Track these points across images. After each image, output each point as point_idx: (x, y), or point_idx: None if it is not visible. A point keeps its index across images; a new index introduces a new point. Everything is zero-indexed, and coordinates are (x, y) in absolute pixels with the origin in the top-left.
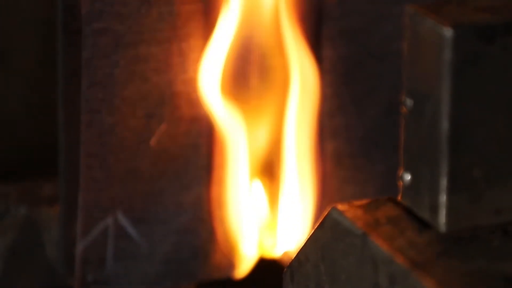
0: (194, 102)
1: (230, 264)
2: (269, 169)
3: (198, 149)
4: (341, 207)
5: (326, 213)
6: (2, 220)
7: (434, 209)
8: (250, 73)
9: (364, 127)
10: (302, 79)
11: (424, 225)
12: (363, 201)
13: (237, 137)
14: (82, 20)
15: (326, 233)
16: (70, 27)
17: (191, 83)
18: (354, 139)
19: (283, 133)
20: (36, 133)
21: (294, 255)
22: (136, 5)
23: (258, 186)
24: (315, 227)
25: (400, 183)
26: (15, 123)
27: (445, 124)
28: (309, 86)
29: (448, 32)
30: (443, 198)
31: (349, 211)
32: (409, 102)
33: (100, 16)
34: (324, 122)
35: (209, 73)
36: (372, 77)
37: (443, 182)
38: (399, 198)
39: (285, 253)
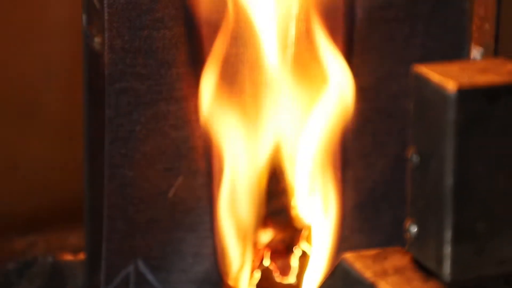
0: (209, 155)
1: None
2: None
3: (217, 201)
4: (350, 257)
5: (338, 263)
6: (30, 268)
7: (439, 259)
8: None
9: (372, 179)
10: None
11: (430, 275)
12: (372, 251)
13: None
14: (106, 80)
15: (337, 282)
16: (94, 86)
17: (207, 137)
18: (362, 190)
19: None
20: (63, 186)
21: None
22: (156, 67)
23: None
24: (327, 276)
25: (407, 235)
26: (43, 176)
27: (449, 180)
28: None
29: (452, 93)
30: (448, 250)
31: (359, 261)
32: (415, 158)
33: (122, 77)
34: (335, 174)
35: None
36: (379, 132)
37: (448, 234)
38: (406, 248)
39: None
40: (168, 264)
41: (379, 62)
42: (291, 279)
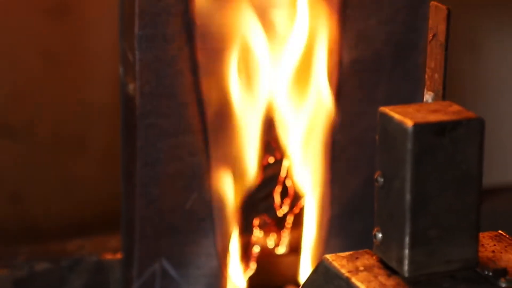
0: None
1: None
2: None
3: (223, 211)
4: (330, 257)
5: (319, 262)
6: (79, 265)
7: (400, 260)
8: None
9: (347, 196)
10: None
11: (392, 272)
12: (346, 253)
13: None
14: (137, 118)
15: (319, 277)
16: (129, 122)
17: (216, 163)
18: (339, 205)
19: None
20: (105, 200)
21: None
22: (176, 107)
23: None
24: (311, 272)
25: (374, 240)
26: (90, 193)
27: (408, 197)
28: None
29: (409, 127)
30: (406, 252)
31: (336, 260)
32: (380, 179)
33: (150, 115)
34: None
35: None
36: (353, 158)
37: (406, 240)
38: (373, 251)
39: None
40: (186, 262)
41: (353, 103)
42: (282, 249)
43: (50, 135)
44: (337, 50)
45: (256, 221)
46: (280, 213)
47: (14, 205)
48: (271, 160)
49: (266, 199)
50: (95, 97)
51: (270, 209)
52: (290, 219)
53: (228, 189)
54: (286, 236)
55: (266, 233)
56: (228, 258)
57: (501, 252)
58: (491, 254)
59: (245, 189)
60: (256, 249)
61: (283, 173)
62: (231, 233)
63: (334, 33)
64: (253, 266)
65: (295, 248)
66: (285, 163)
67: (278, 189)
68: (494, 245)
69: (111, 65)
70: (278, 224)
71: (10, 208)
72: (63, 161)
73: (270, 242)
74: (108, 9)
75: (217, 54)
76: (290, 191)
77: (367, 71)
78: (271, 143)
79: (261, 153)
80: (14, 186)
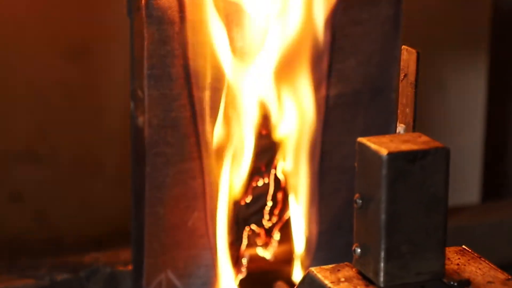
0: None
1: None
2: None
3: (222, 227)
4: (314, 269)
5: (305, 274)
6: (95, 276)
7: (376, 272)
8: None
9: (331, 215)
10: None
11: (370, 282)
12: (330, 266)
13: None
14: (146, 147)
15: (306, 286)
16: (138, 151)
17: (214, 185)
18: (323, 222)
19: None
20: (118, 218)
21: None
22: (179, 137)
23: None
24: (299, 282)
25: (354, 255)
26: (105, 211)
27: (383, 217)
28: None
29: (384, 155)
30: (381, 265)
31: (320, 272)
32: (359, 201)
33: (157, 145)
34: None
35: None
36: (335, 182)
37: (382, 255)
38: (353, 264)
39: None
40: (188, 273)
41: (335, 133)
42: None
43: (71, 160)
44: (324, 86)
45: (246, 233)
46: (268, 225)
47: (38, 222)
48: (260, 183)
49: (257, 214)
50: (109, 127)
51: (260, 223)
52: (277, 234)
53: (222, 208)
54: (274, 246)
55: (256, 243)
56: (221, 267)
57: (465, 265)
58: (456, 267)
59: (237, 207)
60: (245, 258)
61: (271, 192)
62: (224, 246)
63: (320, 73)
64: (243, 272)
65: (285, 260)
66: (272, 186)
67: (268, 206)
68: (459, 258)
69: (123, 100)
70: (268, 235)
71: (34, 225)
72: (81, 182)
73: (261, 252)
74: (121, 51)
75: (211, 91)
76: (280, 208)
77: (347, 106)
78: (261, 168)
79: (250, 176)
80: (38, 204)
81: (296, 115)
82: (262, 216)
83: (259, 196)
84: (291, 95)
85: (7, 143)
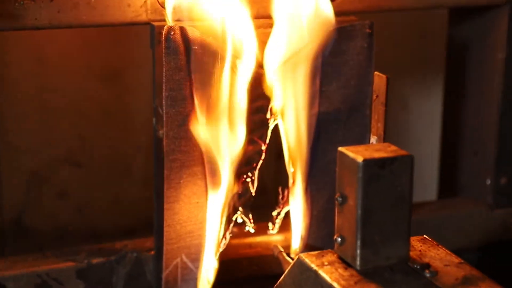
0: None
1: None
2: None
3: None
4: (303, 255)
5: (296, 259)
6: (124, 259)
7: (354, 257)
8: None
9: (317, 210)
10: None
11: (348, 266)
12: (315, 252)
13: None
14: (165, 154)
15: (296, 269)
16: (159, 157)
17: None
18: (310, 216)
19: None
20: (143, 212)
21: (277, 284)
22: (191, 146)
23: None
24: (290, 266)
25: (335, 243)
26: (133, 206)
27: (359, 212)
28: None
29: (360, 162)
30: (358, 252)
31: (308, 257)
32: (339, 199)
33: (173, 152)
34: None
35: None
36: (320, 183)
37: (358, 243)
38: (334, 250)
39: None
40: (199, 257)
41: (320, 143)
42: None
43: (105, 164)
44: (317, 104)
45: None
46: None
47: (78, 215)
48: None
49: (247, 206)
50: (136, 138)
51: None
52: (274, 226)
53: (220, 202)
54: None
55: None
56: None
57: (426, 251)
58: (418, 253)
59: (232, 198)
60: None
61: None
62: (220, 234)
63: (314, 92)
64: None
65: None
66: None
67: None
68: (421, 246)
69: (147, 116)
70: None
71: (75, 217)
72: (114, 183)
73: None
74: (146, 76)
75: (211, 107)
76: (277, 204)
77: (329, 121)
78: (252, 173)
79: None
80: (78, 200)
81: (294, 130)
82: (253, 209)
83: (248, 190)
84: (292, 111)
85: (54, 150)
